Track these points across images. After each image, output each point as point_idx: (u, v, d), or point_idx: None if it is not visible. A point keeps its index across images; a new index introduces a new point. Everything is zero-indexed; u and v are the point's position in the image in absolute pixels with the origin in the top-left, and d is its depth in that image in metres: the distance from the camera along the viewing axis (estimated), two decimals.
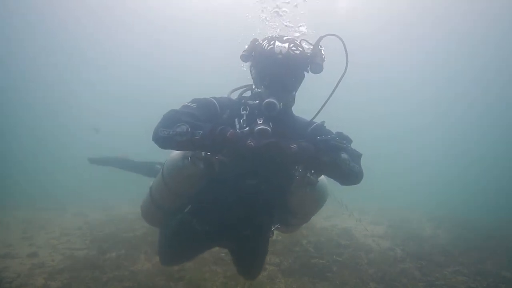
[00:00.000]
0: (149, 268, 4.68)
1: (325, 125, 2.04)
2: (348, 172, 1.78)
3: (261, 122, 1.76)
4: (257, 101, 1.89)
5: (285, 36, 1.91)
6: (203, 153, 1.84)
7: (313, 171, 1.89)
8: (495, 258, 5.58)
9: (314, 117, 2.05)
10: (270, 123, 1.77)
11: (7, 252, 5.53)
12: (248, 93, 2.09)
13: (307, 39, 1.96)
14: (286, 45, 1.82)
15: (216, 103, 1.97)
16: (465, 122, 31.79)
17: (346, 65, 1.90)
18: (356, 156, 1.88)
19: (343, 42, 1.91)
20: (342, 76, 1.90)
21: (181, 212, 2.16)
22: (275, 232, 2.43)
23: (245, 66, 2.07)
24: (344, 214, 7.41)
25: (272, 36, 1.92)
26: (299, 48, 1.86)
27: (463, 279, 4.72)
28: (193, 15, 21.15)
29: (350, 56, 1.89)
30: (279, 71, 1.83)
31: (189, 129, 1.65)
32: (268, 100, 1.78)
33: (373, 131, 30.76)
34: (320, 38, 1.91)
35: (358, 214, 9.16)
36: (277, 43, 1.83)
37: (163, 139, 1.71)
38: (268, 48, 1.84)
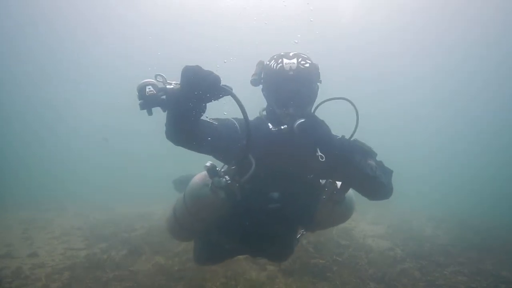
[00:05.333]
0: (149, 268, 4.68)
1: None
2: (374, 179, 1.74)
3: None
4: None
5: (291, 52, 1.86)
6: (223, 181, 1.77)
7: (339, 184, 1.88)
8: (495, 258, 5.58)
9: (351, 136, 1.97)
10: None
11: (7, 252, 5.53)
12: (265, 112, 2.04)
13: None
14: (295, 60, 1.79)
15: (237, 125, 1.90)
16: (464, 120, 31.77)
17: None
18: (388, 170, 1.87)
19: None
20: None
21: (209, 233, 2.18)
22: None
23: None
24: None
25: (278, 54, 1.88)
26: (308, 61, 1.83)
27: (463, 279, 4.72)
28: (205, 15, 21.04)
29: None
30: (292, 88, 1.78)
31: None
32: (301, 121, 1.71)
33: (372, 129, 30.73)
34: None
35: (358, 214, 9.17)
36: (285, 60, 1.79)
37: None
38: (277, 67, 1.79)
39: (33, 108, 32.24)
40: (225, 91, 1.53)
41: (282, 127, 1.76)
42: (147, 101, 1.50)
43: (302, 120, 1.70)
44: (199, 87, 1.47)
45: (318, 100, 1.98)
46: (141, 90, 1.50)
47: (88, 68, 28.40)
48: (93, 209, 10.36)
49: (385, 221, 8.98)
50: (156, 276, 4.33)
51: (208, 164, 1.77)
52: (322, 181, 1.97)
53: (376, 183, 1.77)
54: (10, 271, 4.59)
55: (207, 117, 1.80)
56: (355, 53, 23.28)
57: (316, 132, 1.70)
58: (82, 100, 32.71)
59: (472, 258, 5.66)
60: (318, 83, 1.92)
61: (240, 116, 1.70)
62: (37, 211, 9.56)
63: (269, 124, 1.85)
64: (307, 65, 1.81)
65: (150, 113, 1.54)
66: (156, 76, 1.56)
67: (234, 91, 1.56)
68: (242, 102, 1.57)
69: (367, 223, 8.72)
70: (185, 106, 1.51)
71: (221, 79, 1.51)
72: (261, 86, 1.96)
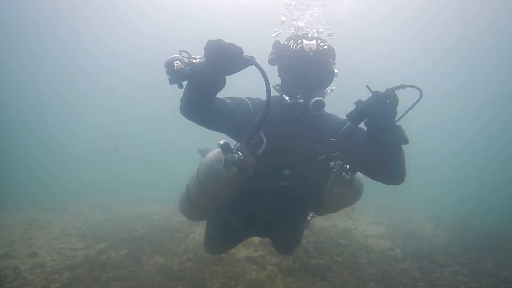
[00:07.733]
0: (149, 268, 4.68)
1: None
2: (399, 164, 1.73)
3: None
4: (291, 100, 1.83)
5: (309, 33, 1.89)
6: (236, 157, 1.78)
7: (349, 167, 1.89)
8: (495, 258, 5.57)
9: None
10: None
11: (7, 252, 5.53)
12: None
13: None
14: (314, 42, 1.81)
15: (249, 103, 1.95)
16: (463, 120, 31.75)
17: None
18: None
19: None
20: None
21: (220, 211, 2.22)
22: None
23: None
24: (344, 215, 7.41)
25: (296, 34, 1.90)
26: (326, 43, 1.85)
27: (463, 279, 4.72)
28: (201, 11, 21.00)
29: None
30: (312, 69, 1.80)
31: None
32: (317, 98, 1.75)
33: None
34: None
35: (358, 214, 9.17)
36: (304, 41, 1.81)
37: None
38: (297, 47, 1.81)
39: (33, 108, 32.23)
40: (248, 61, 1.58)
41: (300, 101, 1.80)
42: (176, 75, 1.55)
43: (319, 98, 1.76)
44: (223, 58, 1.52)
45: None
46: (169, 65, 1.54)
47: (88, 69, 28.40)
48: (93, 209, 10.36)
49: (385, 221, 8.98)
50: (156, 276, 4.32)
51: (221, 141, 1.81)
52: (332, 163, 1.97)
53: (399, 169, 1.77)
54: (10, 271, 4.59)
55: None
56: (354, 51, 23.29)
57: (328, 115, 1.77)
58: (83, 100, 32.71)
59: (472, 258, 5.65)
60: (334, 66, 1.94)
61: (254, 95, 1.79)
62: (37, 211, 9.56)
63: (285, 97, 1.86)
64: (326, 47, 1.83)
65: (180, 86, 1.60)
66: (180, 52, 1.60)
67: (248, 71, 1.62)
68: (265, 71, 1.61)
69: (368, 223, 8.72)
70: (210, 78, 1.56)
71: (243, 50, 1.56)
72: (276, 66, 1.98)
